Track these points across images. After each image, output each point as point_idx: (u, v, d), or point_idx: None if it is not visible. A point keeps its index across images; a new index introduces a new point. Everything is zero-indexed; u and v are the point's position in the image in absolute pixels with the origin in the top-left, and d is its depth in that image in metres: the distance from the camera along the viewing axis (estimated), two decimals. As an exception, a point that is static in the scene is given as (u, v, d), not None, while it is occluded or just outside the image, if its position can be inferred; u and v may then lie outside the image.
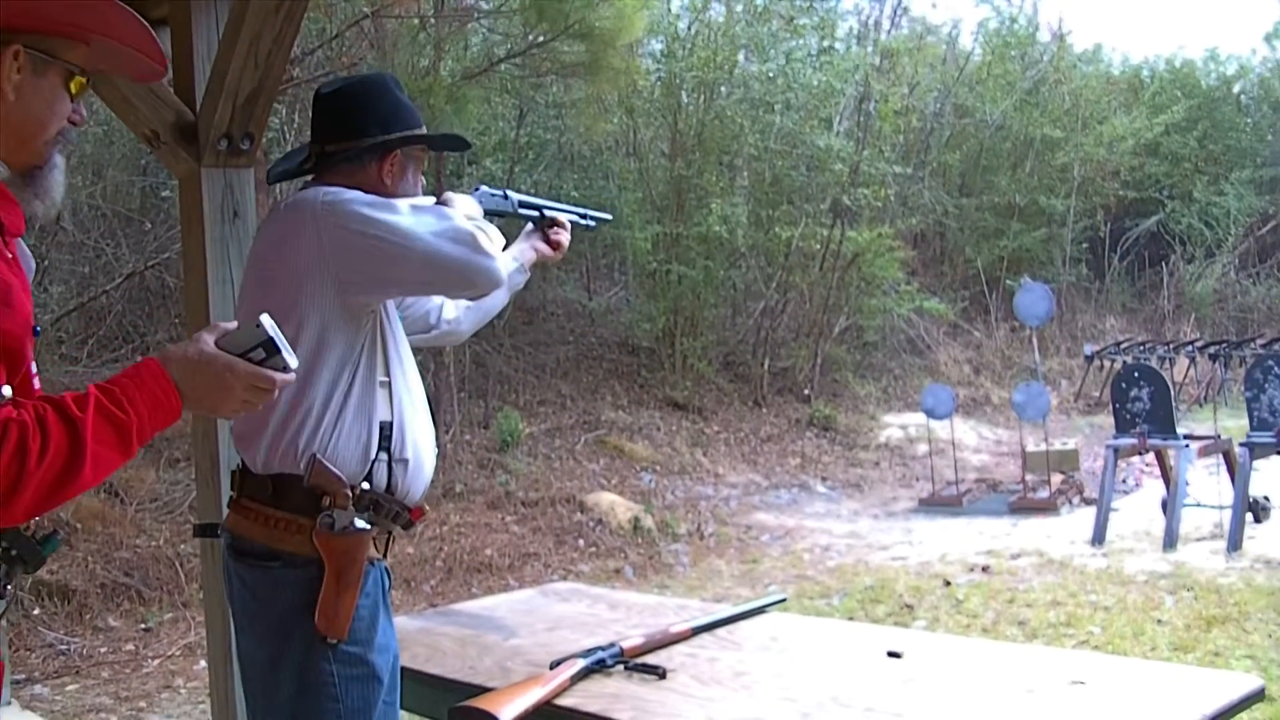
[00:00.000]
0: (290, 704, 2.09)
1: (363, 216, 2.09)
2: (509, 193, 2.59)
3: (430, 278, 2.17)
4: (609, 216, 3.06)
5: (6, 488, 1.37)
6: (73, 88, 1.59)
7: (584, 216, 2.75)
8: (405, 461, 2.18)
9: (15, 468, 1.37)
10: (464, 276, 2.15)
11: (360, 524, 2.09)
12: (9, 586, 1.55)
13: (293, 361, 1.65)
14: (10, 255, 1.48)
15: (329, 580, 2.05)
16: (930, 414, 10.46)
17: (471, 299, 2.52)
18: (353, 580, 2.07)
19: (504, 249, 2.36)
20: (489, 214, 2.49)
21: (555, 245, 2.64)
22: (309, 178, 2.32)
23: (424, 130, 2.36)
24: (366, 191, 2.20)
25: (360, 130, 2.25)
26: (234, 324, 1.66)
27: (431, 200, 2.38)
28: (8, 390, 1.41)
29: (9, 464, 1.37)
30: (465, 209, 2.34)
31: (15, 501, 1.39)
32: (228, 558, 2.20)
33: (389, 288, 2.16)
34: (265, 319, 1.62)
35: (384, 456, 2.15)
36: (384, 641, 2.16)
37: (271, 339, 1.61)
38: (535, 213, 2.63)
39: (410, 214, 2.14)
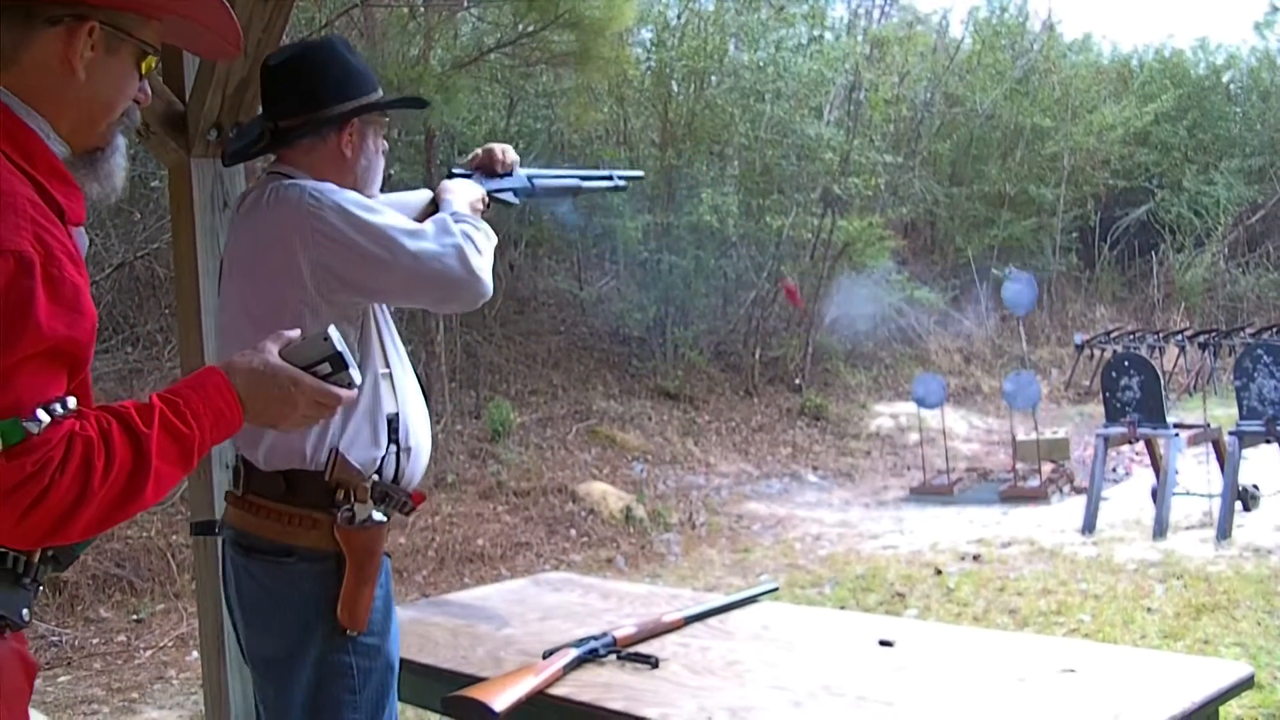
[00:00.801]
0: (309, 697, 2.08)
1: (349, 221, 2.04)
2: (515, 169, 2.48)
3: (411, 294, 2.15)
4: (641, 174, 2.94)
5: (69, 506, 1.30)
6: (143, 67, 1.53)
7: (611, 178, 2.64)
8: (410, 450, 2.18)
9: (79, 485, 1.30)
10: (447, 294, 2.13)
11: (378, 516, 2.09)
12: (41, 587, 1.49)
13: (358, 378, 1.59)
14: (74, 250, 1.40)
15: (350, 574, 2.05)
16: (921, 403, 10.48)
17: (455, 310, 2.47)
18: (373, 572, 2.08)
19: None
20: (495, 193, 2.42)
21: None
22: (271, 157, 2.26)
23: (379, 95, 2.26)
24: (328, 165, 2.16)
25: (315, 103, 2.15)
26: (296, 332, 1.60)
27: (428, 195, 2.35)
28: (73, 401, 1.33)
29: (72, 481, 1.30)
30: (465, 199, 2.29)
31: (76, 520, 1.32)
32: (235, 555, 2.17)
33: (371, 295, 2.12)
34: (333, 331, 1.56)
35: (393, 448, 2.15)
36: (396, 631, 2.18)
37: (340, 353, 1.55)
38: (562, 181, 2.53)
39: (401, 223, 2.09)
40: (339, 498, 2.07)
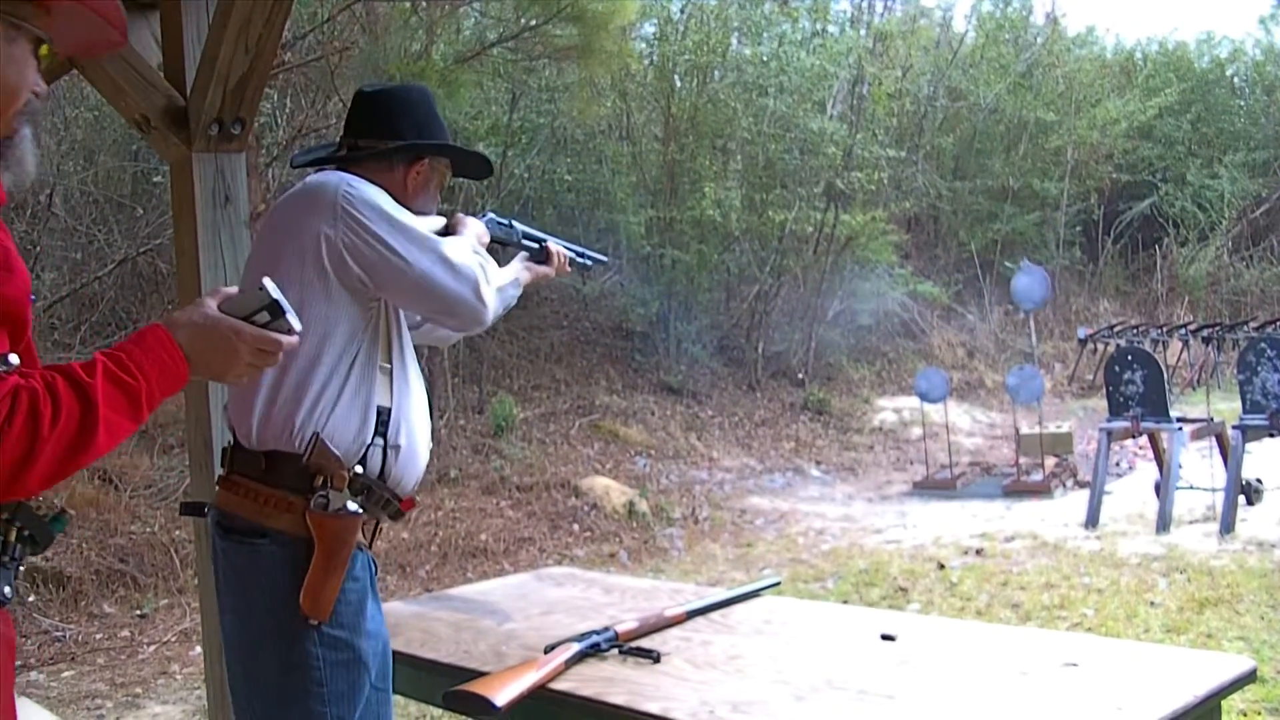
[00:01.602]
0: (275, 685, 2.08)
1: (376, 217, 2.11)
2: (514, 223, 2.64)
3: (418, 298, 2.19)
4: (606, 260, 3.11)
5: (20, 456, 1.35)
6: (39, 57, 1.54)
7: (581, 255, 2.82)
8: (399, 448, 2.17)
9: (28, 435, 1.35)
10: (451, 309, 2.20)
11: (352, 507, 2.08)
12: (21, 568, 1.53)
13: (297, 324, 1.64)
14: None
15: (317, 560, 2.04)
16: (924, 397, 10.47)
17: (450, 328, 2.51)
18: (340, 563, 2.06)
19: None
20: (494, 240, 2.53)
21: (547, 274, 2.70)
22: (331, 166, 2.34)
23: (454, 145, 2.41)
24: (385, 188, 2.21)
25: (395, 131, 2.29)
26: (235, 289, 1.64)
27: (442, 221, 2.40)
28: (15, 358, 1.39)
29: (21, 431, 1.34)
30: (475, 233, 2.39)
31: (31, 471, 1.36)
32: (215, 536, 2.18)
33: (379, 288, 2.15)
34: (268, 282, 1.62)
35: (379, 442, 2.14)
36: (373, 628, 2.15)
37: (276, 301, 1.60)
38: (536, 245, 2.68)
39: (424, 231, 2.16)
40: (317, 483, 2.07)
